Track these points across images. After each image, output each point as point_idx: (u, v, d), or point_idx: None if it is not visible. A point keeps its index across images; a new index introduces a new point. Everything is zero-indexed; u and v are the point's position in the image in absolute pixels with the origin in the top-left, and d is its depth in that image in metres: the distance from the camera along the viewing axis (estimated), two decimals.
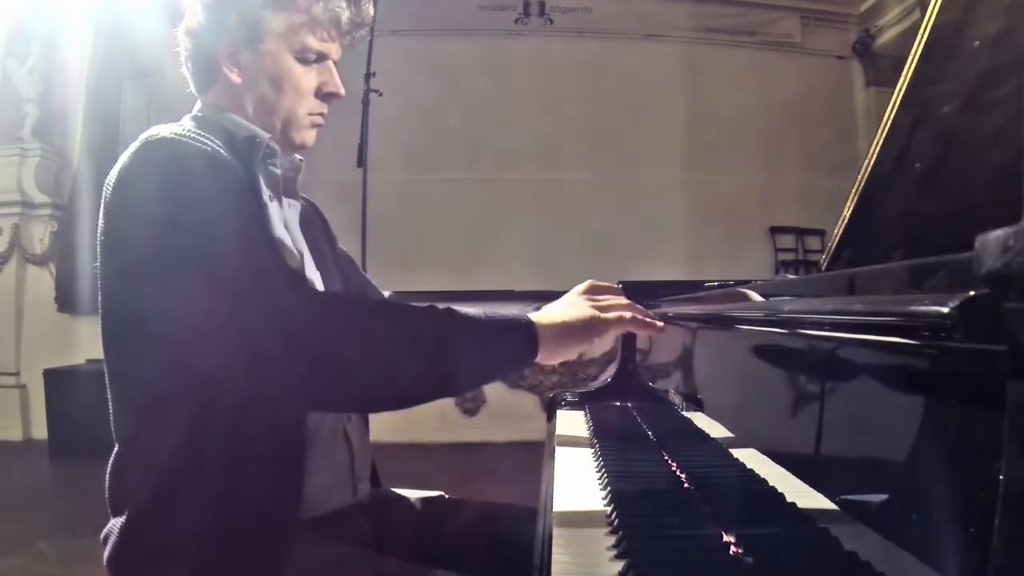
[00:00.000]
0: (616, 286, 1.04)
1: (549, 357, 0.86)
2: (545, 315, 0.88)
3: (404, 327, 0.83)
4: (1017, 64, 0.80)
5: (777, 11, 5.56)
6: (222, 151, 0.91)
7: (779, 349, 0.86)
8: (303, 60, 0.98)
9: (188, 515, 0.84)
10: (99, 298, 0.91)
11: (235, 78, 0.97)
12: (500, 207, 5.20)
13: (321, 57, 0.99)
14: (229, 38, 0.96)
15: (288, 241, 1.00)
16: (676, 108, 5.25)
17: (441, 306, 0.85)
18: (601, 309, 0.89)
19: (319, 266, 1.07)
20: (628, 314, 0.88)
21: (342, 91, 1.02)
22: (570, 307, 0.90)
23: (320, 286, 1.04)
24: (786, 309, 0.74)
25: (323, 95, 1.01)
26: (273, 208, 0.99)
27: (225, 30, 0.95)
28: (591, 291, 0.97)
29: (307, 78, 0.99)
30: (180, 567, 0.83)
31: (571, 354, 0.87)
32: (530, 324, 0.86)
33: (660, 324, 0.89)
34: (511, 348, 0.85)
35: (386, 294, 1.26)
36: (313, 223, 1.13)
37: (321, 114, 1.02)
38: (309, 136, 1.02)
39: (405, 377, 0.82)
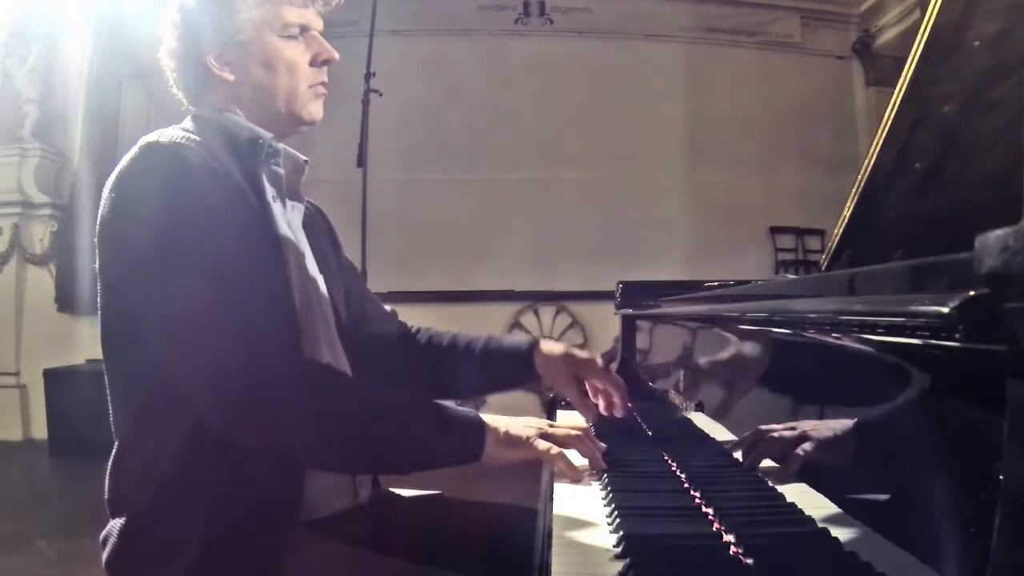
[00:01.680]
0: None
1: (490, 461, 0.88)
2: (496, 422, 0.90)
3: (369, 405, 0.88)
4: (1017, 64, 0.81)
5: (777, 11, 5.55)
6: (222, 154, 0.91)
7: (779, 349, 0.86)
8: (288, 36, 0.99)
9: (187, 517, 0.84)
10: (98, 299, 0.91)
11: (228, 76, 0.98)
12: (500, 207, 5.20)
13: (304, 29, 1.00)
14: (211, 42, 0.96)
15: (292, 239, 1.00)
16: (676, 108, 5.24)
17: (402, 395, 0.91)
18: (547, 437, 0.90)
19: (322, 269, 1.07)
20: (556, 452, 0.89)
21: (335, 55, 1.03)
22: (518, 421, 0.92)
23: (323, 288, 1.05)
24: (786, 309, 0.74)
25: (319, 64, 1.02)
26: (276, 208, 0.99)
27: (204, 36, 0.96)
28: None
29: (297, 52, 1.00)
30: (179, 569, 0.83)
31: (508, 463, 0.89)
32: (483, 426, 0.88)
33: (583, 478, 0.88)
34: (463, 444, 0.88)
35: (388, 308, 1.25)
36: (318, 227, 1.13)
37: (322, 83, 1.03)
38: (316, 108, 1.03)
39: (353, 449, 0.87)
